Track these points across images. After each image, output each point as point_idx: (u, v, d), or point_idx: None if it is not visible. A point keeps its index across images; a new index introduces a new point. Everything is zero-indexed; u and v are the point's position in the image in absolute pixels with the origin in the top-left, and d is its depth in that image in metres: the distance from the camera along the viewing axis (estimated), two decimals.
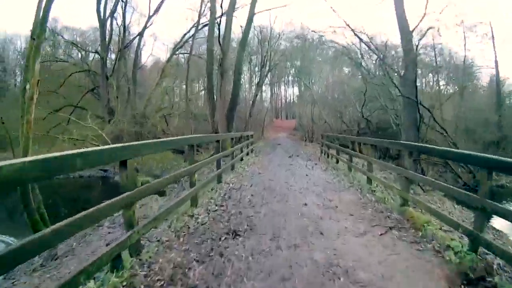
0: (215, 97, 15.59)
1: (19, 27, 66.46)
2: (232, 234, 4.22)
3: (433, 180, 5.41)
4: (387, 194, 7.14)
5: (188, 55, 30.75)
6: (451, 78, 26.80)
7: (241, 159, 11.93)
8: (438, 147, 5.60)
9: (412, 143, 6.12)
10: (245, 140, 14.32)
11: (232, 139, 10.48)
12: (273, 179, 8.46)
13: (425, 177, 5.58)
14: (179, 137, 5.61)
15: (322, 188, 7.44)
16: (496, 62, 20.55)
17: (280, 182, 8.09)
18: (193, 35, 24.62)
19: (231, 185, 7.65)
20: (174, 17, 68.60)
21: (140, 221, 3.63)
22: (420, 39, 11.82)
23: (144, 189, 3.57)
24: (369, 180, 7.74)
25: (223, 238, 4.12)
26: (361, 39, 14.64)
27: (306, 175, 9.27)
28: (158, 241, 4.23)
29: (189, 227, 4.63)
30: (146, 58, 37.54)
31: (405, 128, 11.37)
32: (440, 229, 4.71)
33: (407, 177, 5.65)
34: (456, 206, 8.86)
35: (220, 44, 15.46)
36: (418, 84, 13.06)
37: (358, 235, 4.41)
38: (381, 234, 4.48)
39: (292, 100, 62.72)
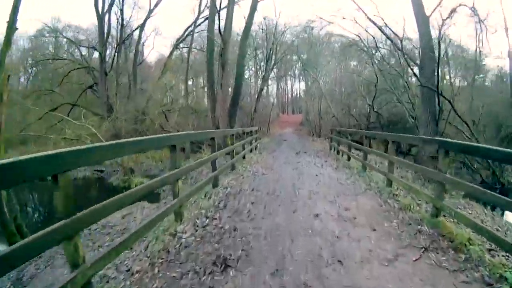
0: (216, 90, 14.55)
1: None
2: (221, 265, 3.19)
3: (483, 189, 4.31)
4: (412, 200, 6.08)
5: (188, 48, 29.99)
6: (460, 70, 25.40)
7: (243, 157, 10.90)
8: (483, 146, 4.50)
9: (453, 140, 5.01)
10: (248, 136, 13.29)
11: (232, 135, 9.40)
12: (278, 181, 7.41)
13: (470, 184, 4.50)
14: (154, 136, 4.43)
15: (335, 191, 6.38)
16: (509, 52, 19.11)
17: (286, 184, 7.04)
18: (193, 27, 23.55)
19: (229, 189, 6.61)
20: (178, 11, 67.33)
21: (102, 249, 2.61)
22: (445, 19, 10.48)
23: (88, 215, 2.51)
24: (389, 182, 6.66)
25: (208, 271, 3.10)
26: (375, 23, 13.42)
27: (316, 175, 8.20)
28: (128, 271, 3.27)
29: (168, 252, 3.64)
30: (148, 53, 36.57)
31: (423, 121, 10.22)
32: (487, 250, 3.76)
33: (442, 182, 4.60)
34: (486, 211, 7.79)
35: (220, 34, 14.37)
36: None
37: (387, 261, 3.38)
38: (415, 260, 3.47)
39: (298, 95, 61.75)
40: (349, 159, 10.66)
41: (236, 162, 9.46)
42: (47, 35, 28.31)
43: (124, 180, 15.27)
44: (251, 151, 13.04)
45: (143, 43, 34.26)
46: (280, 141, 21.49)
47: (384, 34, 13.31)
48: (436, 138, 6.12)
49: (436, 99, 10.29)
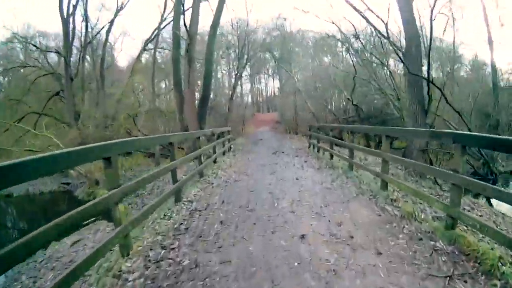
0: (183, 90, 13.26)
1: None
2: None
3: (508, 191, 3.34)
4: (413, 204, 5.12)
5: (160, 49, 28.46)
6: (437, 60, 25.02)
7: (215, 161, 9.73)
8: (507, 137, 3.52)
9: (472, 133, 4.04)
10: (221, 138, 12.13)
11: (198, 138, 8.18)
12: (254, 189, 6.29)
13: (496, 186, 3.54)
14: (80, 148, 3.15)
15: (321, 199, 5.33)
16: (489, 39, 18.72)
17: (263, 193, 5.93)
18: (159, 25, 22.05)
19: (194, 204, 5.45)
20: (149, 11, 65.11)
21: None
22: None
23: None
24: (384, 184, 5.66)
25: None
26: (354, 7, 12.46)
27: (297, 178, 7.14)
28: None
29: None
30: (117, 56, 34.31)
31: (411, 112, 9.33)
32: None
33: (459, 186, 3.63)
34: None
35: (186, 29, 13.09)
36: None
37: None
38: None
39: (273, 93, 61.13)
40: (331, 157, 9.67)
41: (205, 168, 8.30)
42: (16, 42, 26.04)
43: (89, 193, 13.82)
44: (223, 153, 11.87)
45: (113, 45, 32.52)
46: (256, 141, 20.36)
47: (365, 19, 12.37)
48: (449, 131, 5.04)
49: (426, 88, 9.46)
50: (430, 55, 9.69)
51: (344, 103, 24.45)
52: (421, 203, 5.30)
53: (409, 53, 9.42)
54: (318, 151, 11.76)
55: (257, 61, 43.84)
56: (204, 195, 5.99)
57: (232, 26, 30.92)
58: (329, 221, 4.26)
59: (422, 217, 4.44)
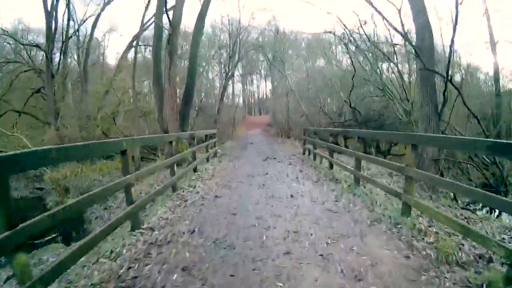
0: (163, 86, 11.78)
1: None
2: None
3: None
4: (447, 236, 3.81)
5: (144, 46, 26.91)
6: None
7: (195, 170, 8.32)
8: None
9: None
10: (204, 141, 10.76)
11: (170, 142, 6.76)
12: (237, 211, 4.88)
13: None
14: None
15: (325, 229, 4.00)
16: (491, 37, 17.52)
17: (248, 218, 4.53)
18: (142, 19, 20.46)
19: (155, 233, 4.05)
20: (138, 7, 62.99)
21: None
22: None
23: None
24: (407, 208, 4.33)
25: None
26: None
27: (292, 195, 5.78)
28: None
29: None
30: (105, 53, 32.23)
31: (424, 115, 7.99)
32: None
33: None
34: None
35: (168, 18, 11.62)
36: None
37: None
38: None
39: (265, 96, 60.28)
40: (331, 166, 8.34)
41: (182, 178, 6.94)
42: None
43: (58, 201, 12.33)
44: (207, 159, 10.47)
45: (100, 42, 30.89)
46: (246, 145, 18.98)
47: (372, 6, 11.00)
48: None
49: (439, 87, 8.19)
50: (452, 49, 8.41)
51: (339, 105, 23.09)
52: (455, 235, 3.97)
53: (421, 47, 8.13)
54: (314, 158, 10.43)
55: (250, 62, 42.76)
56: (172, 219, 4.59)
57: (222, 22, 29.75)
58: (342, 271, 2.91)
59: (464, 259, 3.17)
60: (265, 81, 58.79)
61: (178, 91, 14.00)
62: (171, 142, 6.85)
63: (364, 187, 6.31)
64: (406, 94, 14.65)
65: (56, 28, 21.22)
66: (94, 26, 25.16)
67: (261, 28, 34.08)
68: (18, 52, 22.91)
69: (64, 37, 21.97)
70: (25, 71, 22.27)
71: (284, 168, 9.12)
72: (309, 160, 10.80)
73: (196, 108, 24.19)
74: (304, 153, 12.45)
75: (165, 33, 12.11)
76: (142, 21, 20.14)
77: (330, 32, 18.41)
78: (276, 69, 31.99)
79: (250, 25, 28.97)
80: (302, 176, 7.77)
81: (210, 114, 26.37)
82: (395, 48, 15.23)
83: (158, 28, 12.21)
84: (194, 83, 12.64)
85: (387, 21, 10.97)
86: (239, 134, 30.63)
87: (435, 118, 7.93)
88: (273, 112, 35.94)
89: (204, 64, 29.03)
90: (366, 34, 14.34)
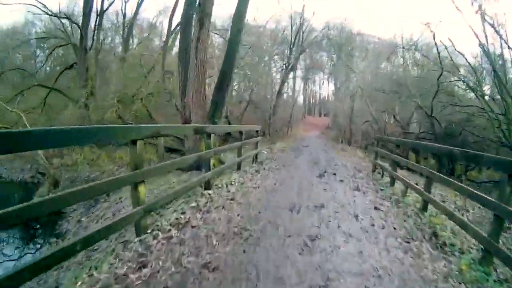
0: (190, 62, 8.83)
1: None
2: None
3: None
4: None
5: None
6: None
7: (206, 185, 5.54)
8: None
9: None
10: (246, 139, 8.12)
11: (134, 142, 3.92)
12: None
13: None
14: None
15: None
16: None
17: None
18: None
19: None
20: None
21: None
22: None
23: None
24: None
25: None
26: None
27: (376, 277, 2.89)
28: None
29: None
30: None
31: None
32: None
33: None
34: None
35: None
36: None
37: None
38: None
39: (327, 97, 57.27)
40: (425, 207, 5.23)
41: (173, 203, 4.33)
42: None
43: (44, 194, 10.56)
44: (238, 167, 7.75)
45: (154, 23, 29.55)
46: (300, 148, 15.95)
47: None
48: None
49: None
50: None
51: (408, 113, 19.14)
52: None
53: None
54: (392, 183, 7.28)
55: (313, 60, 40.01)
56: None
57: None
58: None
59: None
60: (328, 82, 55.51)
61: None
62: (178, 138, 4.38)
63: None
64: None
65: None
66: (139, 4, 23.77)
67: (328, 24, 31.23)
68: (58, 27, 21.72)
69: (99, 10, 20.41)
70: (59, 46, 21.17)
71: (349, 195, 6.08)
72: (383, 184, 7.65)
73: (248, 100, 21.71)
74: (374, 171, 9.30)
75: None
76: None
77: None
78: (342, 65, 28.83)
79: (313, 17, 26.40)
80: (379, 219, 4.74)
81: (264, 109, 23.75)
82: None
83: None
84: (234, 61, 9.70)
85: None
86: (294, 134, 27.85)
87: None
88: (334, 115, 32.85)
89: (266, 58, 26.50)
90: None
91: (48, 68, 25.45)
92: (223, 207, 4.73)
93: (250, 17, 34.71)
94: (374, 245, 3.80)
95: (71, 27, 21.65)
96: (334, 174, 8.50)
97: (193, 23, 9.19)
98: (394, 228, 4.42)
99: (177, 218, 4.21)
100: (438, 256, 3.68)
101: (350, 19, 60.86)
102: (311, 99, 61.41)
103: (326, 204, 5.24)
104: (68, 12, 22.13)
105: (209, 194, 5.27)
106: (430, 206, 5.20)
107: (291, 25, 25.00)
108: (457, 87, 14.75)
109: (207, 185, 5.47)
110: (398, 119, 18.32)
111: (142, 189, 3.55)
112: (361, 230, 4.24)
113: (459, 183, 4.48)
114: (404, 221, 4.77)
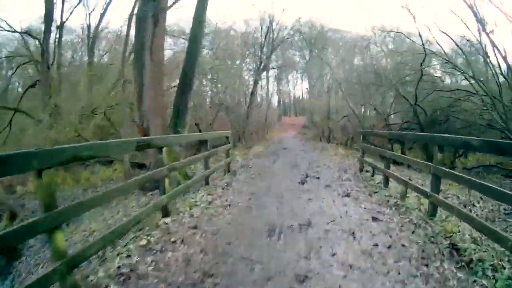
0: (145, 61, 7.97)
1: None
2: None
3: None
4: None
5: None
6: None
7: (164, 212, 4.39)
8: None
9: None
10: (203, 150, 7.02)
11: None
12: None
13: None
14: None
15: None
16: None
17: None
18: None
19: None
20: None
21: None
22: None
23: None
24: None
25: None
26: None
27: None
28: None
29: None
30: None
31: None
32: None
33: None
34: None
35: None
36: None
37: None
38: None
39: (301, 96, 56.70)
40: (434, 212, 4.27)
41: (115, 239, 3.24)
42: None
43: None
44: (206, 182, 6.63)
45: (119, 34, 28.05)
46: (278, 151, 14.85)
47: None
48: None
49: None
50: None
51: (392, 104, 18.48)
52: None
53: None
54: (386, 183, 6.34)
55: (285, 60, 39.39)
56: None
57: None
58: None
59: None
60: (302, 80, 55.03)
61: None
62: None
63: None
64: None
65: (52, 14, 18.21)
66: (103, 13, 22.24)
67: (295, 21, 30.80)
68: (21, 45, 20.22)
69: (60, 22, 18.88)
70: (23, 63, 19.71)
71: (339, 204, 5.06)
72: (375, 184, 6.71)
73: (219, 105, 20.64)
74: (361, 170, 8.38)
75: None
76: None
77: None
78: (316, 61, 28.37)
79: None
80: (382, 234, 3.76)
81: (238, 113, 22.63)
82: None
83: None
84: (195, 66, 8.49)
85: None
86: (272, 137, 26.91)
87: None
88: (311, 113, 32.17)
89: (237, 62, 25.58)
90: None
91: (20, 89, 23.96)
92: (182, 241, 3.62)
93: (219, 19, 34.01)
94: (384, 276, 2.81)
95: (35, 44, 20.12)
96: (318, 178, 7.52)
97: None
98: (403, 245, 3.45)
99: (119, 266, 3.08)
100: (467, 280, 2.75)
101: (321, 16, 60.75)
102: (286, 99, 60.86)
103: (313, 221, 4.21)
104: (35, 29, 20.64)
105: (166, 223, 4.15)
106: (439, 212, 4.28)
107: (261, 25, 24.23)
108: (441, 71, 14.10)
109: (165, 211, 4.34)
110: (380, 111, 17.56)
111: (60, 236, 2.45)
112: (363, 254, 3.23)
113: (474, 178, 3.57)
114: (413, 232, 3.81)
